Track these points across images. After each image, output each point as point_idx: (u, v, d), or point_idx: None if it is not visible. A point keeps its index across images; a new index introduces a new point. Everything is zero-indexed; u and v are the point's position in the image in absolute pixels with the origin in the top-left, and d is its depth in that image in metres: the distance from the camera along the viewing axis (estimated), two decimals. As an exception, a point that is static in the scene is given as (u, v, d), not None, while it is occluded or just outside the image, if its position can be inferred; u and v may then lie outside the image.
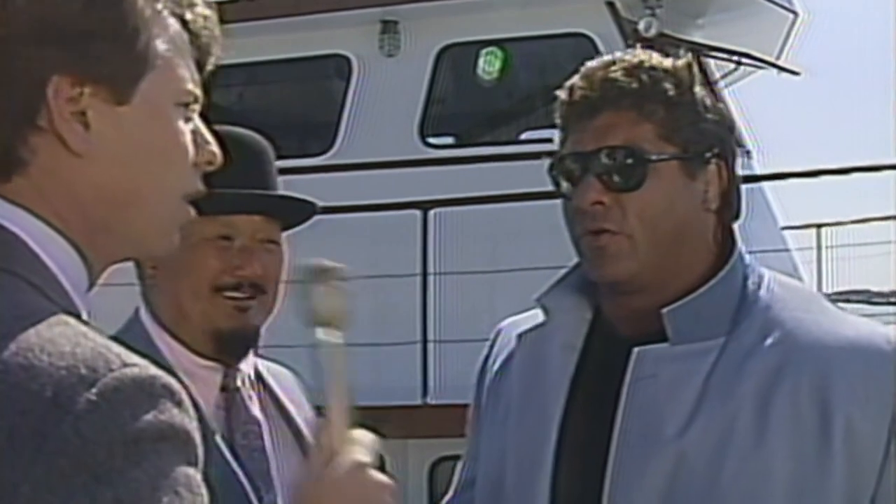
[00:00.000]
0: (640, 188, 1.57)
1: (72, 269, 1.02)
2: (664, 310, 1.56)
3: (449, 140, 8.51)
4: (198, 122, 1.11)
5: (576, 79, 1.63)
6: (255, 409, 1.85)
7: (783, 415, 1.49)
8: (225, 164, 1.75)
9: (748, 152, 8.84)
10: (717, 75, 8.73)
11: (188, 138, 1.08)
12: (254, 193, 1.84)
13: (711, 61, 8.64)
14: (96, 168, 1.02)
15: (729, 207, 1.64)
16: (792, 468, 1.48)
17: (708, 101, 1.63)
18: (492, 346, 1.81)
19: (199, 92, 1.10)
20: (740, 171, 1.66)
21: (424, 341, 6.91)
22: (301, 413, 1.91)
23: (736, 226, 1.66)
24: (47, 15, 1.00)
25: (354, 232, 7.28)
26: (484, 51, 7.87)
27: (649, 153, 1.57)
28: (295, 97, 8.93)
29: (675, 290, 1.58)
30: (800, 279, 8.61)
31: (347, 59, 8.09)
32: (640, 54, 1.63)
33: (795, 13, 8.81)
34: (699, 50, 8.35)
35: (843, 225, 10.25)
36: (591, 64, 1.63)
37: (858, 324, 1.59)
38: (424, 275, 7.04)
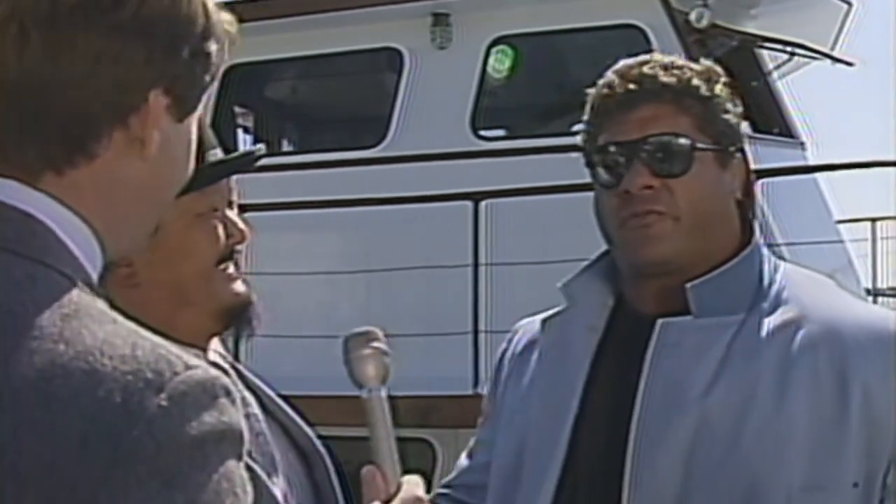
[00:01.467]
0: (688, 174, 1.67)
1: (93, 257, 1.04)
2: (688, 284, 1.64)
3: (500, 132, 8.52)
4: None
5: (611, 76, 1.72)
6: (245, 392, 1.72)
7: (802, 382, 1.57)
8: None
9: (802, 144, 8.77)
10: (770, 66, 8.67)
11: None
12: (236, 157, 1.75)
13: (765, 52, 8.59)
14: (148, 171, 1.06)
15: (750, 197, 1.75)
16: (811, 431, 1.56)
17: (729, 102, 1.73)
18: (509, 343, 1.90)
19: None
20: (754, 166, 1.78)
21: (476, 332, 6.93)
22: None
23: (757, 214, 1.77)
24: (172, 31, 1.03)
25: (407, 223, 7.32)
26: (494, 49, 7.87)
27: (694, 141, 1.67)
28: (347, 90, 8.98)
29: (700, 270, 1.66)
30: (855, 274, 8.56)
31: (399, 52, 8.11)
32: (667, 56, 1.74)
33: (849, 3, 8.72)
34: (752, 41, 8.30)
35: (900, 219, 10.11)
36: (625, 62, 1.72)
37: (869, 306, 1.73)
38: (476, 266, 7.05)
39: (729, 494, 1.56)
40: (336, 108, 9.06)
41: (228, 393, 0.92)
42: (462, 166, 7.50)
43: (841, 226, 9.16)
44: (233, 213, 1.74)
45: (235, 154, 1.76)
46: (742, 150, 1.74)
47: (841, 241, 8.57)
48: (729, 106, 1.73)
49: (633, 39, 7.34)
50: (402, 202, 7.13)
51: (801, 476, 1.56)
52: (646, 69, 1.69)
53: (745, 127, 1.78)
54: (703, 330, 1.63)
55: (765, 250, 1.74)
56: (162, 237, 1.59)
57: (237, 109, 8.91)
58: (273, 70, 8.92)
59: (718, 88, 1.72)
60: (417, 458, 7.74)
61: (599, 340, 1.73)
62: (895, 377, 1.58)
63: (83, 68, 0.99)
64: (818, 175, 8.42)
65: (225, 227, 1.70)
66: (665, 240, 1.66)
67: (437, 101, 7.91)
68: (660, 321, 1.66)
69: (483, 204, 7.09)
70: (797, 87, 9.18)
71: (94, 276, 1.02)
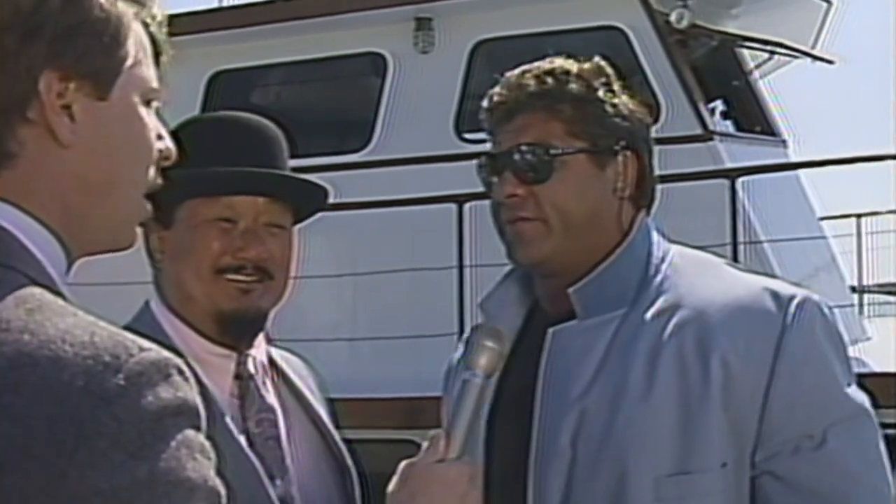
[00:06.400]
0: (550, 179, 1.74)
1: (56, 260, 1.08)
2: (570, 289, 1.73)
3: (484, 135, 8.55)
4: (155, 118, 1.17)
5: (497, 87, 1.81)
6: (270, 397, 1.84)
7: (670, 368, 1.66)
8: (233, 148, 1.85)
9: (784, 142, 8.84)
10: (751, 65, 8.73)
11: (153, 134, 1.16)
12: (251, 171, 1.81)
13: (745, 51, 8.64)
14: (78, 158, 1.08)
15: (643, 194, 1.80)
16: (678, 413, 1.64)
17: (616, 100, 1.78)
18: (461, 346, 1.96)
19: (159, 89, 1.17)
20: (654, 162, 1.82)
21: (462, 333, 6.96)
22: (316, 401, 1.92)
23: (651, 210, 1.81)
24: (34, 11, 1.06)
25: (392, 226, 7.37)
26: None
27: (556, 148, 1.74)
28: (332, 95, 9.02)
29: (585, 269, 1.74)
30: (839, 270, 8.60)
31: (383, 57, 8.17)
32: (554, 60, 1.80)
33: (829, 2, 8.79)
34: (732, 40, 8.36)
35: (883, 214, 10.16)
36: (511, 72, 1.81)
37: (752, 284, 1.73)
38: (461, 267, 7.10)
39: (605, 486, 1.65)
40: (321, 113, 9.08)
41: (181, 372, 0.99)
42: (446, 169, 7.54)
43: (825, 222, 9.22)
44: (264, 231, 1.81)
45: (254, 170, 1.81)
46: (630, 148, 1.77)
47: (823, 238, 8.62)
48: (610, 106, 1.76)
49: (615, 41, 7.40)
50: (388, 205, 7.17)
51: (669, 462, 1.63)
52: (524, 79, 1.77)
53: (644, 123, 1.81)
54: (586, 332, 1.72)
55: (655, 238, 1.79)
56: (172, 231, 1.79)
57: (222, 116, 8.92)
58: (258, 76, 8.95)
59: (597, 90, 1.76)
60: (405, 459, 7.74)
61: (513, 346, 1.79)
62: (762, 344, 1.64)
63: None
64: (801, 172, 8.47)
65: (235, 240, 1.78)
66: (535, 242, 1.74)
67: (421, 104, 7.96)
68: (550, 330, 1.75)
69: (467, 206, 7.13)
70: (778, 85, 9.25)
71: (57, 277, 1.08)
